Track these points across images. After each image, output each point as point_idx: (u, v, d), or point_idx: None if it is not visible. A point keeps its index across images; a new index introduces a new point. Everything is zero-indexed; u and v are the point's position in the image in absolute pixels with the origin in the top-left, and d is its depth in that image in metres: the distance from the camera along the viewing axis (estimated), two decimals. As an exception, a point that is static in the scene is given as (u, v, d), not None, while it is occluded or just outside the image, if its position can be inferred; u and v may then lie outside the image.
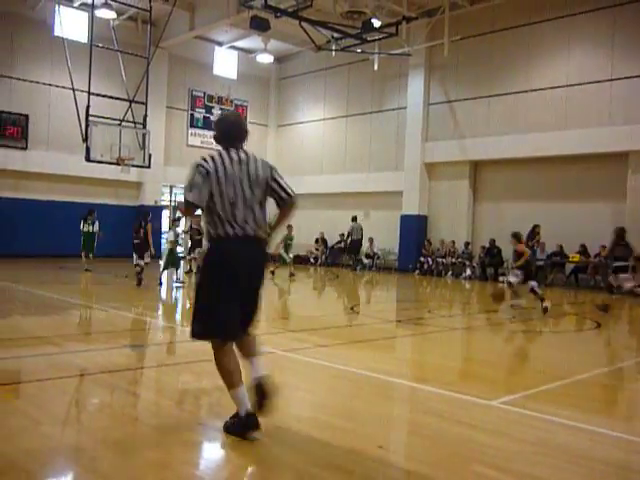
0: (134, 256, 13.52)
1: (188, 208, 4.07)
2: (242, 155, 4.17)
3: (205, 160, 4.03)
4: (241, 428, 3.94)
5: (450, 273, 20.41)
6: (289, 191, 4.24)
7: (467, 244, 20.33)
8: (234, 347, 4.10)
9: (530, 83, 18.94)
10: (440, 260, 20.74)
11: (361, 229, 22.06)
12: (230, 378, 3.99)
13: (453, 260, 20.45)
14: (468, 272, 19.96)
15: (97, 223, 17.18)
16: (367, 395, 5.22)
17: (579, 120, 17.73)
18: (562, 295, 16.24)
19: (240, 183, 4.05)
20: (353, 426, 4.32)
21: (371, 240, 22.83)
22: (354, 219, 21.30)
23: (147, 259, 13.57)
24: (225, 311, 3.98)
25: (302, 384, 5.59)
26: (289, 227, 19.15)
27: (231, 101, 26.20)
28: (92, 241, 16.93)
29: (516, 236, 11.59)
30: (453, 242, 20.58)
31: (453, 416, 4.63)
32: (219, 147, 4.19)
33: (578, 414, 4.85)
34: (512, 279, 11.34)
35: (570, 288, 17.62)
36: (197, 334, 4.13)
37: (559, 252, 17.95)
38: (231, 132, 4.25)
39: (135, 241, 13.67)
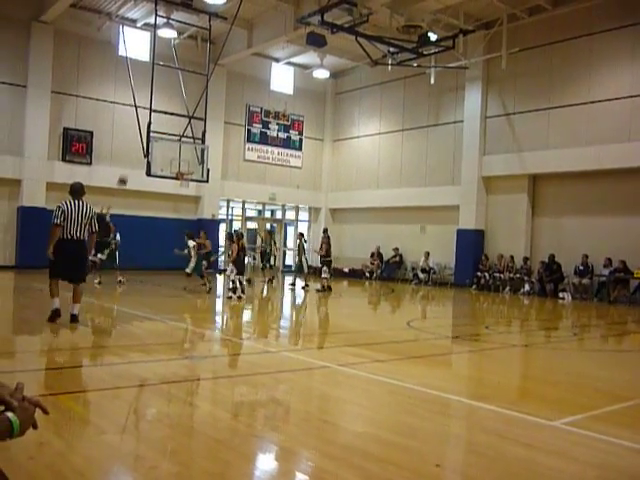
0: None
1: (55, 227, 8.59)
2: (80, 202, 8.81)
3: (62, 204, 8.68)
4: (51, 314, 8.70)
5: (508, 289, 19.99)
6: (95, 228, 8.94)
7: (526, 259, 19.88)
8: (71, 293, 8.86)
9: (591, 94, 18.48)
10: (498, 275, 20.35)
11: (329, 239, 21.64)
12: (52, 292, 8.78)
13: (511, 275, 20.04)
14: (527, 287, 19.51)
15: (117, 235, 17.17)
16: (424, 412, 5.15)
17: (644, 132, 17.18)
18: (626, 312, 15.69)
19: (76, 215, 8.66)
20: (410, 443, 4.26)
21: (427, 254, 22.61)
22: (325, 231, 21.07)
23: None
24: (55, 269, 8.73)
25: (358, 399, 5.56)
26: (299, 235, 19.53)
27: (287, 116, 26.51)
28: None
29: (230, 237, 14.76)
30: (512, 257, 20.17)
31: (513, 436, 4.52)
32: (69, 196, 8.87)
33: (645, 437, 4.66)
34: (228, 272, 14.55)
35: (635, 305, 17.00)
36: (51, 277, 8.77)
37: (622, 268, 17.35)
38: (74, 191, 8.93)
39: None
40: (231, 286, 14.05)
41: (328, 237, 18.58)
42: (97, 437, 4.10)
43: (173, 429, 4.44)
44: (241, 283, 14.05)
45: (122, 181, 17.33)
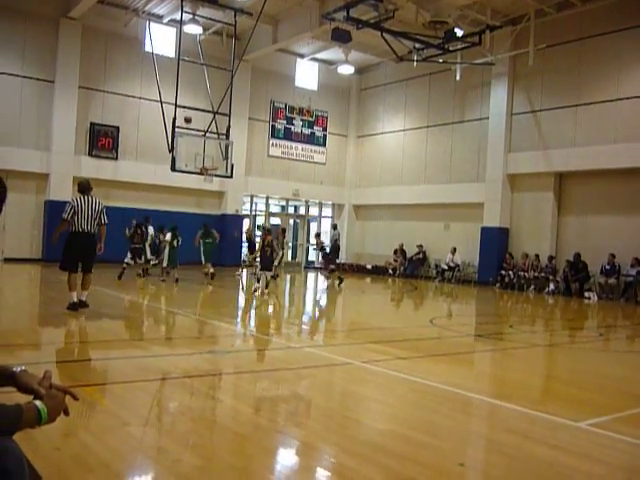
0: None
1: (63, 222, 9.34)
2: (89, 198, 9.42)
3: (72, 200, 9.46)
4: (69, 307, 9.23)
5: (532, 287, 19.78)
6: (104, 220, 9.56)
7: (551, 258, 19.64)
8: (79, 281, 9.45)
9: (620, 91, 18.18)
10: (522, 274, 20.14)
11: (334, 236, 21.84)
12: (70, 286, 9.30)
13: (536, 274, 19.82)
14: (552, 287, 19.28)
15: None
16: (447, 410, 5.12)
17: (674, 130, 16.87)
18: (654, 313, 15.45)
19: (86, 210, 9.30)
20: (433, 441, 4.24)
21: (454, 250, 22.37)
22: (334, 227, 21.39)
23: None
24: (69, 261, 9.33)
25: (381, 396, 5.54)
26: (282, 231, 19.73)
27: (312, 112, 26.50)
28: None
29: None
30: (537, 255, 19.95)
31: (537, 436, 4.47)
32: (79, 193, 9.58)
33: (673, 440, 4.58)
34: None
35: (663, 306, 16.73)
36: (61, 268, 9.45)
37: (651, 268, 17.08)
38: (82, 189, 9.56)
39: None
40: (256, 281, 14.18)
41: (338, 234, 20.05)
42: (122, 429, 4.14)
43: (196, 423, 4.47)
44: (266, 278, 14.11)
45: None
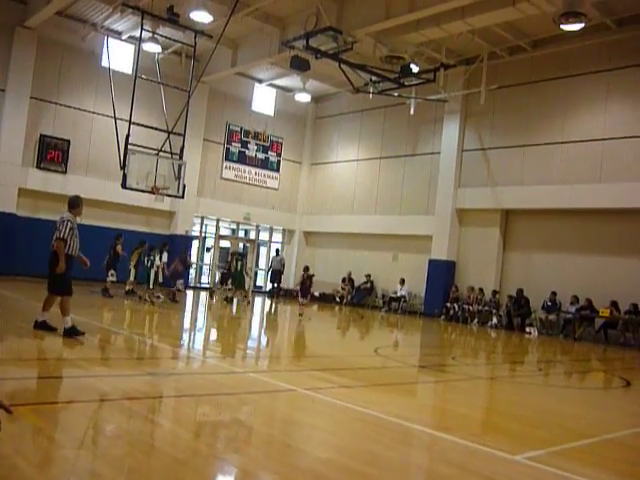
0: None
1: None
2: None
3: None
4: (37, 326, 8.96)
5: (476, 321, 20.14)
6: (57, 235, 8.79)
7: (495, 292, 20.08)
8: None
9: (566, 135, 18.91)
10: (466, 307, 20.50)
11: (281, 261, 24.92)
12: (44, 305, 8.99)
13: (480, 308, 20.21)
14: (494, 320, 19.68)
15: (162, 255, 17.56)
16: (388, 440, 5.13)
17: (615, 174, 17.59)
18: (590, 350, 15.91)
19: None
20: (372, 471, 4.24)
21: (402, 281, 22.62)
22: (277, 252, 24.74)
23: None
24: None
25: (322, 424, 5.53)
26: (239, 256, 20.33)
27: (267, 137, 26.61)
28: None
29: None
30: (481, 289, 20.36)
31: (474, 468, 4.53)
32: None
33: (605, 475, 4.71)
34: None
35: (599, 343, 17.25)
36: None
37: (588, 306, 17.62)
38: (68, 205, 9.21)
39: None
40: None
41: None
42: (55, 452, 4.01)
43: (133, 447, 4.36)
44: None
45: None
